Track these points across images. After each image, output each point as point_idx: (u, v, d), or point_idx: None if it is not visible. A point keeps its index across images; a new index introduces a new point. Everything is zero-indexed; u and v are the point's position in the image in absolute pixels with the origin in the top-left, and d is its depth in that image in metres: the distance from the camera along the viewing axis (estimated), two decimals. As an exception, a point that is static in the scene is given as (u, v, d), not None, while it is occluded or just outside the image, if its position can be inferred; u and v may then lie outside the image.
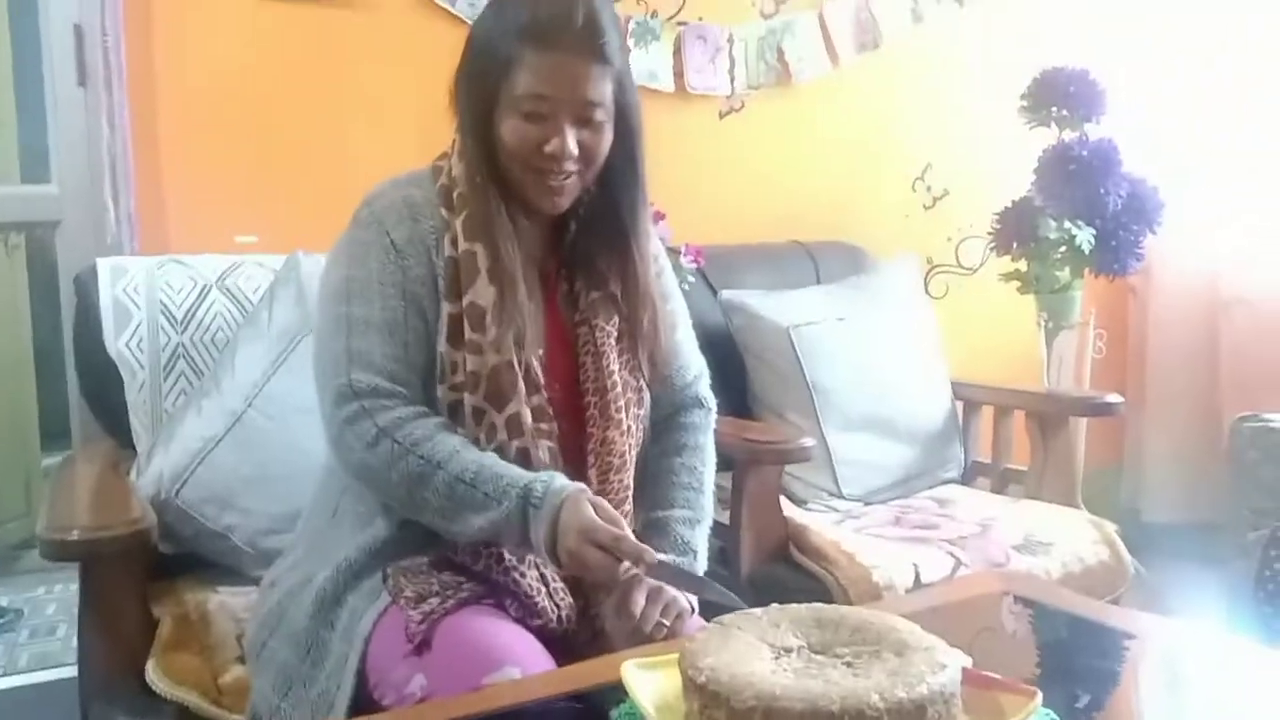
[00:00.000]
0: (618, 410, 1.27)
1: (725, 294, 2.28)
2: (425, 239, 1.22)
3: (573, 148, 1.19)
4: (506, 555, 1.20)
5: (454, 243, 1.21)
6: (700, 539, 1.34)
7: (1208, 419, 2.87)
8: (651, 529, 1.31)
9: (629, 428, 1.29)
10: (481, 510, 1.14)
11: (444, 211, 1.23)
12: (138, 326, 1.78)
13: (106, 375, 1.77)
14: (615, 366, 1.28)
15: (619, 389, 1.28)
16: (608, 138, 1.23)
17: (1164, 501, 3.06)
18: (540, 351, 1.25)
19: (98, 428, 1.91)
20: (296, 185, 2.20)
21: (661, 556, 1.16)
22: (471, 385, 1.19)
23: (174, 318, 1.79)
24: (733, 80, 2.59)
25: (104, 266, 1.82)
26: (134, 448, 1.75)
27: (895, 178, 2.85)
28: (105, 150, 2.07)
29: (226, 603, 1.55)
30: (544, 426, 1.23)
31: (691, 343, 1.44)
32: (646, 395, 1.33)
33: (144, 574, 1.44)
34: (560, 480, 1.15)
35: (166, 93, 2.12)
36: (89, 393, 1.86)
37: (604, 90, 1.20)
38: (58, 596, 2.91)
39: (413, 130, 2.21)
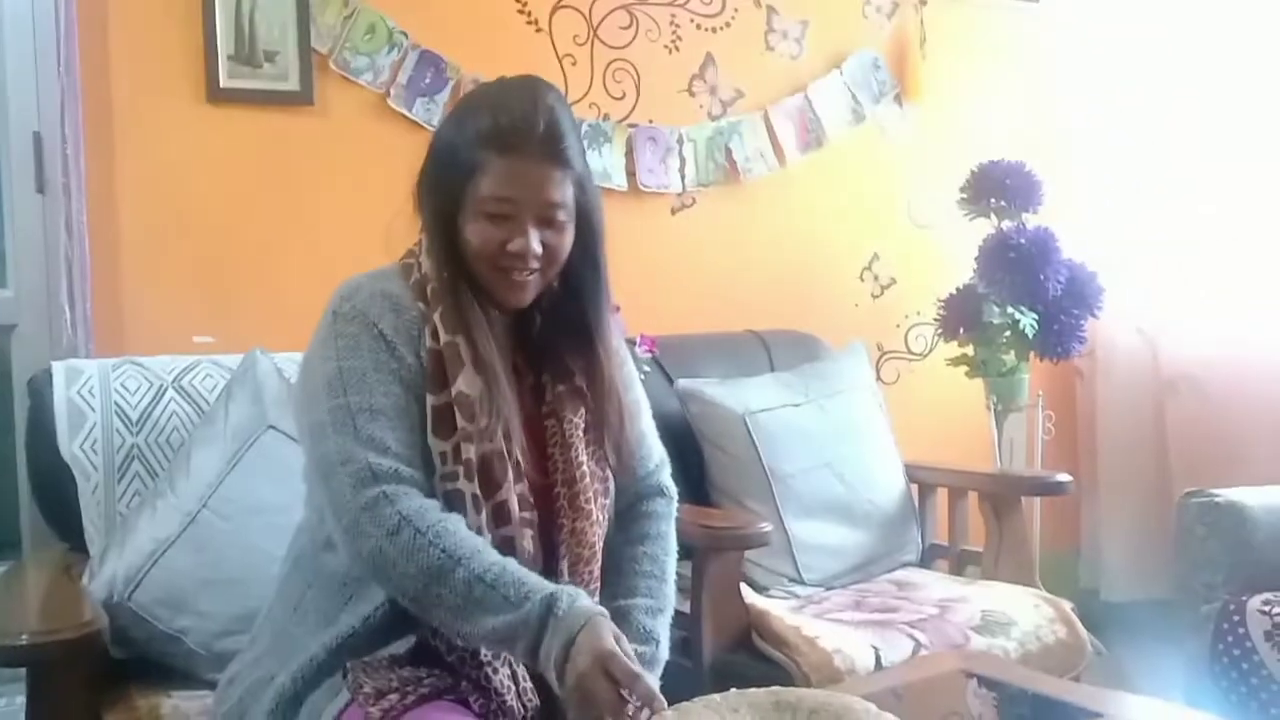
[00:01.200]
0: (586, 501, 1.29)
1: (681, 383, 2.32)
2: (409, 330, 1.24)
3: (536, 247, 1.23)
4: (482, 651, 1.20)
5: (434, 335, 1.23)
6: (663, 628, 1.34)
7: (1159, 496, 2.92)
8: (615, 618, 1.31)
9: (597, 518, 1.31)
10: (498, 613, 1.11)
11: (421, 305, 1.25)
12: (92, 428, 1.77)
13: (59, 478, 1.76)
14: (584, 458, 1.31)
15: (587, 480, 1.30)
16: (569, 237, 1.27)
17: (1121, 580, 3.09)
18: (523, 441, 1.27)
19: (48, 533, 1.89)
20: (254, 286, 2.23)
21: (669, 713, 1.11)
22: (467, 473, 1.20)
23: (129, 419, 1.79)
24: (683, 178, 2.67)
25: (59, 369, 1.82)
26: (86, 551, 1.72)
27: (844, 268, 2.93)
28: (63, 255, 2.08)
29: (180, 706, 1.51)
30: (527, 515, 1.25)
31: (653, 432, 1.46)
32: (612, 485, 1.35)
33: (94, 679, 1.41)
34: (585, 599, 1.14)
35: (125, 197, 2.15)
36: (41, 497, 1.84)
37: (565, 192, 1.24)
38: (2, 710, 2.81)
39: (369, 232, 2.22)
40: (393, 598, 1.19)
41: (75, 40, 2.08)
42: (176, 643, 1.61)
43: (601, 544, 1.32)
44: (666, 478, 1.46)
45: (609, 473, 1.35)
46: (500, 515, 1.22)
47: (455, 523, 1.17)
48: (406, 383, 1.22)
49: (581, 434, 1.32)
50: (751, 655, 1.81)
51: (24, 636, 1.31)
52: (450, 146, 1.26)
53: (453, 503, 1.20)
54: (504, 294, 1.26)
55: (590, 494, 1.30)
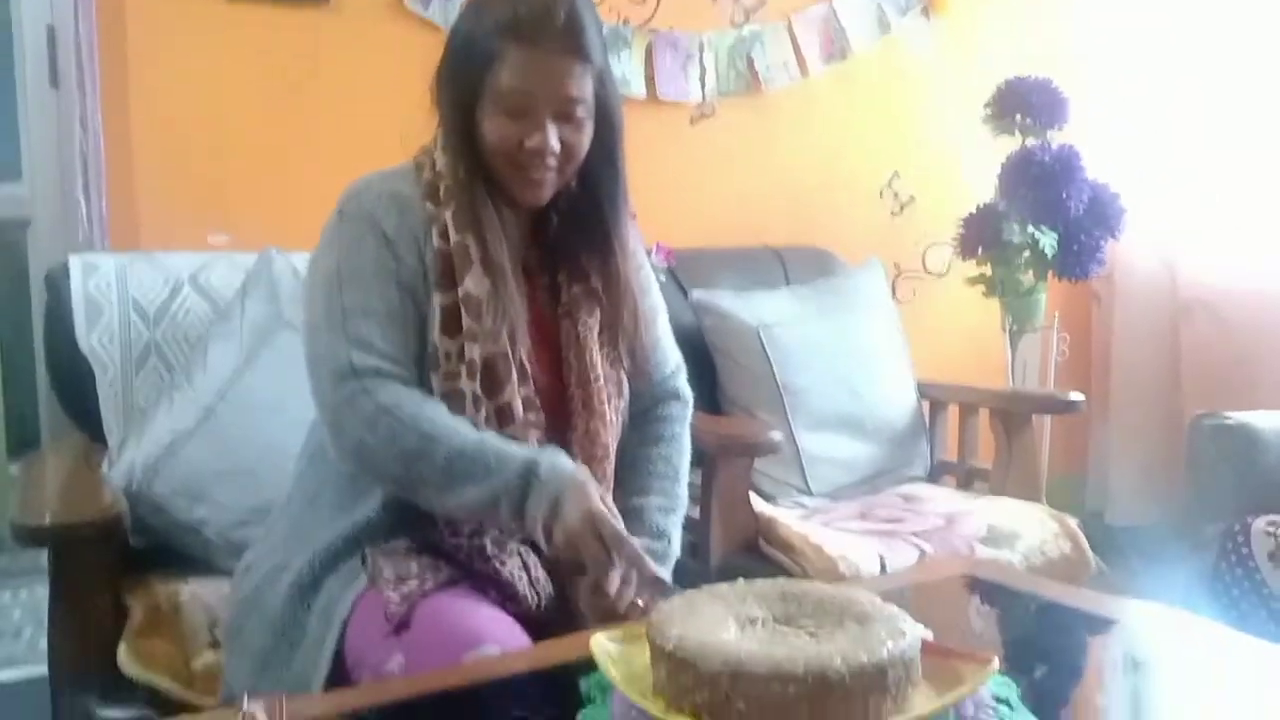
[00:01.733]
0: (600, 403, 1.30)
1: (696, 294, 2.31)
2: (414, 230, 1.23)
3: (554, 143, 1.21)
4: (488, 545, 1.22)
5: (443, 235, 1.22)
6: (674, 526, 1.36)
7: (1170, 421, 2.93)
8: (628, 516, 1.33)
9: (611, 419, 1.31)
10: (480, 481, 1.14)
11: (429, 205, 1.24)
12: (109, 322, 1.78)
13: (77, 370, 1.77)
14: (598, 359, 1.31)
15: (601, 381, 1.30)
16: (588, 134, 1.24)
17: (1128, 504, 3.11)
18: (528, 344, 1.27)
19: (66, 425, 1.91)
20: (268, 185, 2.21)
21: (657, 570, 1.17)
22: (469, 373, 1.21)
23: (146, 314, 1.80)
24: (703, 87, 2.63)
25: (75, 263, 1.82)
26: (105, 442, 1.75)
27: (863, 185, 2.89)
28: (77, 150, 2.08)
29: (198, 593, 1.55)
30: (532, 417, 1.25)
31: (669, 337, 1.46)
32: (626, 387, 1.36)
33: (115, 561, 1.44)
34: (565, 459, 1.17)
35: (138, 93, 2.13)
36: (60, 388, 1.86)
37: (585, 87, 1.22)
38: (22, 601, 2.88)
39: (383, 130, 2.20)
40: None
41: (88, -69, 2.05)
42: (194, 533, 1.64)
43: (615, 445, 1.33)
44: (683, 383, 1.47)
45: (623, 375, 1.35)
46: (504, 416, 1.22)
47: (433, 408, 1.18)
48: (405, 284, 1.22)
49: (596, 336, 1.31)
50: (758, 559, 1.84)
51: (47, 517, 1.33)
52: (468, 37, 1.23)
53: (452, 402, 1.21)
54: (520, 191, 1.25)
55: (604, 396, 1.30)
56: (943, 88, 2.92)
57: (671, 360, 1.45)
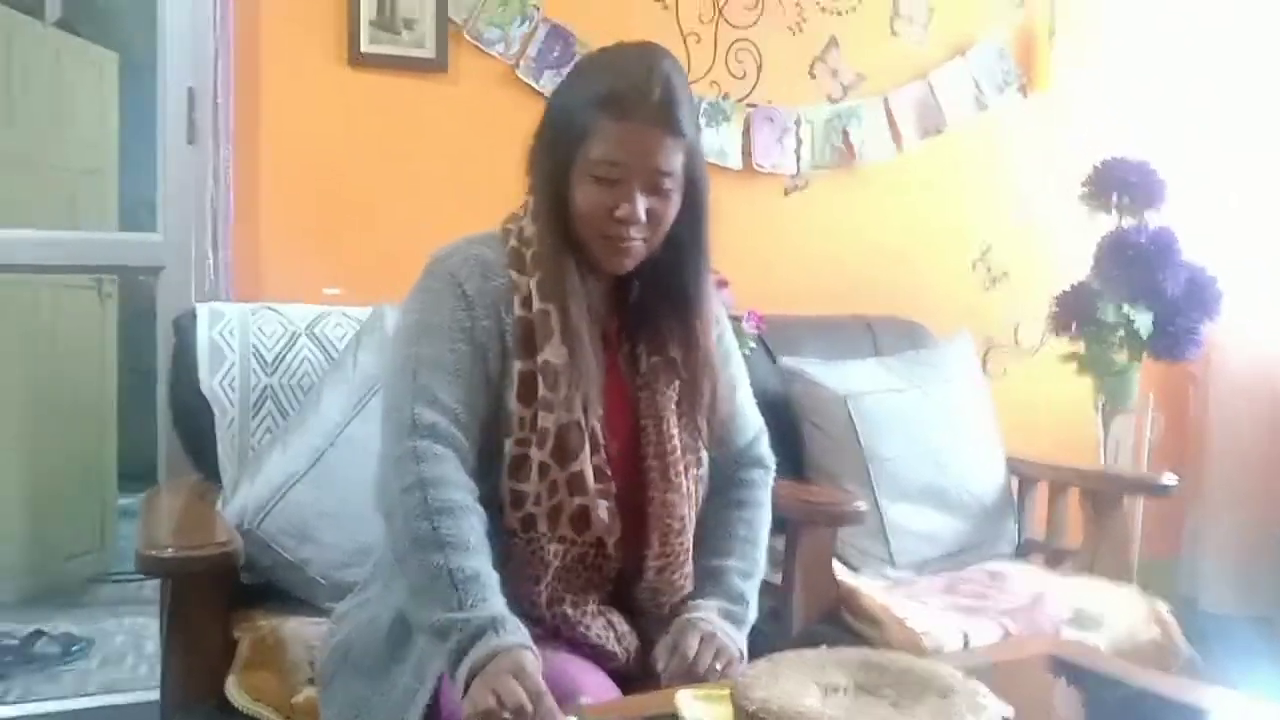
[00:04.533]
0: (677, 474, 1.31)
1: (785, 361, 2.35)
2: (495, 295, 1.27)
3: (641, 213, 1.24)
4: (570, 611, 1.25)
5: (525, 303, 1.26)
6: (752, 591, 1.38)
7: (1266, 508, 2.85)
8: (707, 577, 1.35)
9: (688, 490, 1.33)
10: (447, 610, 1.12)
11: (514, 273, 1.28)
12: (230, 367, 1.89)
13: (198, 412, 1.88)
14: (675, 431, 1.32)
15: (679, 453, 1.32)
16: (675, 205, 1.28)
17: (1222, 592, 3.02)
18: (600, 412, 1.28)
19: (182, 464, 2.02)
20: (380, 242, 2.33)
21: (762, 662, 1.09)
22: (540, 441, 1.23)
23: (265, 361, 1.91)
24: (798, 160, 2.69)
25: (203, 310, 1.95)
26: (219, 481, 1.85)
27: (955, 258, 2.91)
28: (209, 203, 2.22)
29: (299, 630, 1.61)
30: (603, 486, 1.26)
31: (750, 403, 1.47)
32: (705, 457, 1.37)
33: (228, 595, 1.52)
34: (526, 634, 1.13)
35: (268, 151, 2.27)
36: (180, 428, 1.97)
37: (675, 160, 1.25)
38: (126, 629, 3.02)
39: (489, 193, 2.31)
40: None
41: (230, 3, 2.21)
42: (299, 571, 1.72)
43: (693, 516, 1.34)
44: (765, 448, 1.48)
45: (701, 445, 1.36)
46: (575, 485, 1.24)
47: (466, 513, 1.17)
48: (478, 344, 1.25)
49: (674, 406, 1.33)
50: (840, 630, 1.84)
51: (170, 550, 1.42)
52: (565, 108, 1.28)
53: (520, 469, 1.24)
54: (607, 259, 1.27)
55: (681, 466, 1.32)
56: (1038, 164, 2.94)
57: (753, 426, 1.46)
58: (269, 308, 1.99)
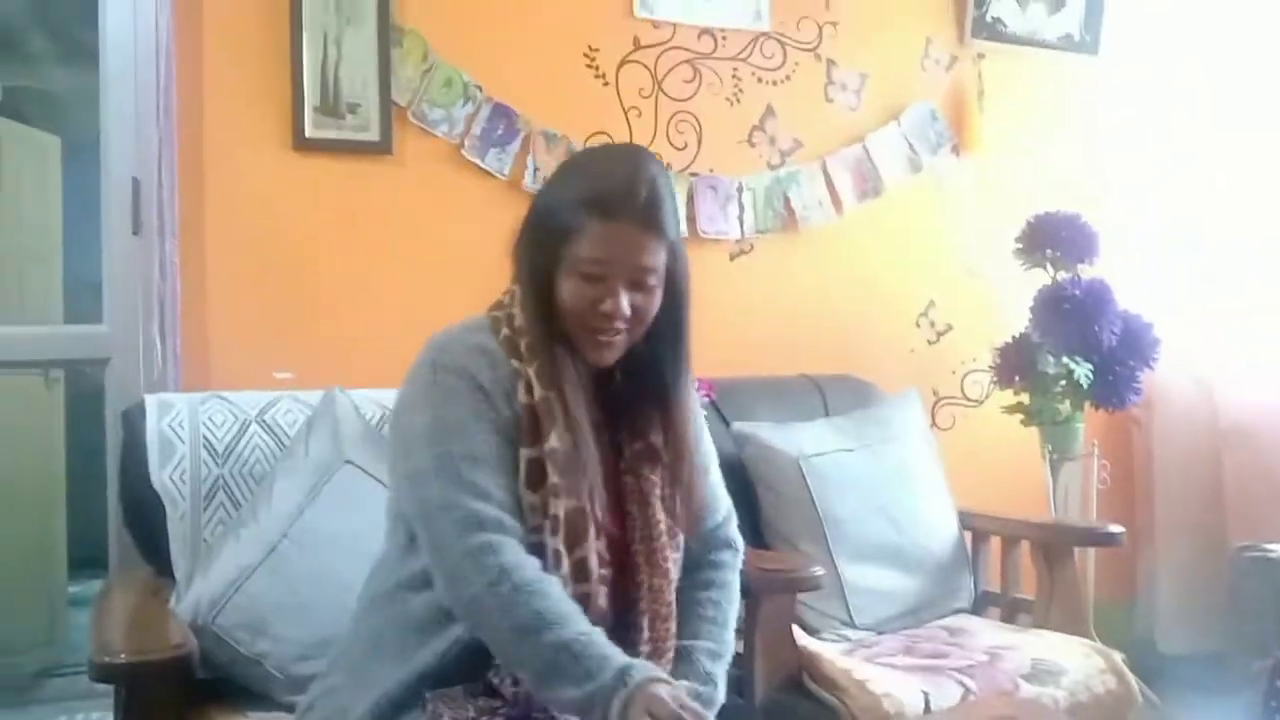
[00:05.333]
0: (664, 560, 1.34)
1: (737, 425, 2.38)
2: (504, 384, 1.28)
3: (625, 309, 1.27)
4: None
5: (528, 390, 1.28)
6: (721, 672, 1.39)
7: (1215, 548, 2.90)
8: (676, 658, 1.36)
9: (672, 576, 1.35)
10: (579, 685, 1.14)
11: (514, 361, 1.29)
12: (181, 459, 1.88)
13: (149, 505, 1.86)
14: (660, 515, 1.35)
15: (664, 538, 1.34)
16: (657, 300, 1.31)
17: (1178, 633, 3.06)
18: (605, 497, 1.30)
19: (133, 554, 1.99)
20: (332, 326, 2.34)
21: None
22: (553, 528, 1.25)
23: (215, 451, 1.89)
24: (742, 226, 2.75)
25: (151, 402, 1.93)
26: (171, 575, 1.82)
27: (899, 314, 2.97)
28: (155, 293, 2.21)
29: (258, 727, 1.60)
30: (605, 573, 1.28)
31: (720, 485, 1.50)
32: (681, 540, 1.39)
33: (184, 696, 1.49)
34: (652, 668, 1.17)
35: (214, 239, 2.28)
36: (131, 522, 1.95)
37: (658, 259, 1.28)
38: (79, 726, 2.93)
39: (442, 275, 2.36)
40: (468, 637, 1.23)
41: (173, 92, 2.22)
42: (256, 665, 1.70)
43: (674, 601, 1.36)
44: (734, 530, 1.49)
45: (678, 529, 1.38)
46: (579, 572, 1.26)
47: (552, 584, 1.21)
48: (503, 434, 1.26)
49: (658, 491, 1.35)
50: (802, 696, 1.85)
51: (123, 656, 1.40)
52: (552, 207, 1.31)
53: (537, 555, 1.24)
54: (590, 351, 1.30)
55: (667, 552, 1.34)
56: (974, 221, 3.02)
57: (723, 508, 1.49)
58: (218, 396, 1.98)
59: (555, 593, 1.20)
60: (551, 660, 1.16)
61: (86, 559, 3.57)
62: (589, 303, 1.27)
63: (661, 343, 1.35)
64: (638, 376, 1.37)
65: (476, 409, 1.26)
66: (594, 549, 1.27)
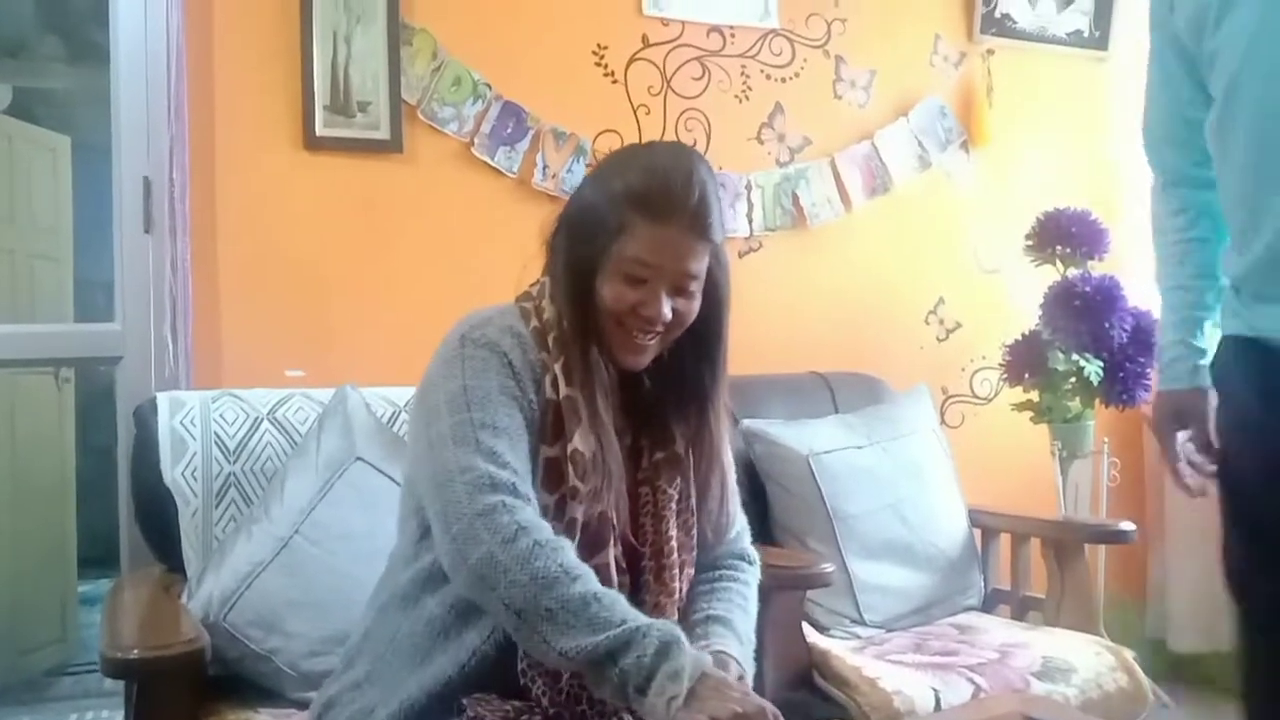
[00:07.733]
0: (671, 578, 1.30)
1: (746, 423, 2.37)
2: (533, 373, 1.25)
3: (666, 313, 1.24)
4: (587, 710, 1.20)
5: (554, 385, 1.24)
6: (734, 648, 1.32)
7: (1226, 546, 2.89)
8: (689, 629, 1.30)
9: (678, 593, 1.31)
10: (607, 630, 1.08)
11: (542, 353, 1.26)
12: (193, 457, 1.88)
13: (160, 503, 1.87)
14: (673, 530, 1.31)
15: (675, 554, 1.31)
16: (697, 305, 1.28)
17: (1189, 630, 3.05)
18: (627, 504, 1.27)
19: (144, 552, 2.00)
20: (342, 323, 2.35)
21: None
22: (569, 532, 1.20)
23: (227, 448, 1.90)
24: (751, 223, 2.75)
25: (163, 400, 1.94)
26: (183, 572, 1.83)
27: (909, 311, 2.96)
28: (167, 291, 2.22)
29: (269, 722, 1.61)
30: (621, 580, 1.25)
31: (736, 499, 1.43)
32: (694, 557, 1.35)
33: (196, 693, 1.50)
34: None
35: (226, 238, 2.28)
36: (142, 519, 1.95)
37: (703, 264, 1.26)
38: (92, 723, 2.96)
39: (452, 272, 2.37)
40: (487, 647, 1.20)
41: (184, 92, 2.23)
42: (267, 662, 1.70)
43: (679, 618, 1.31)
44: (748, 544, 1.46)
45: (694, 544, 1.34)
46: (599, 578, 1.18)
47: (570, 547, 1.16)
48: (527, 414, 1.23)
49: (674, 505, 1.32)
50: (812, 694, 1.85)
51: (135, 651, 1.40)
52: (597, 202, 1.27)
53: None
54: (624, 354, 1.27)
55: (676, 568, 1.30)
56: (984, 217, 3.01)
57: (738, 522, 1.44)
58: (230, 394, 1.98)
59: (574, 554, 1.15)
60: (579, 609, 1.09)
61: (97, 558, 3.59)
62: (629, 305, 1.24)
63: (698, 350, 1.31)
64: (669, 384, 1.33)
65: (503, 384, 1.23)
66: (613, 555, 1.24)
